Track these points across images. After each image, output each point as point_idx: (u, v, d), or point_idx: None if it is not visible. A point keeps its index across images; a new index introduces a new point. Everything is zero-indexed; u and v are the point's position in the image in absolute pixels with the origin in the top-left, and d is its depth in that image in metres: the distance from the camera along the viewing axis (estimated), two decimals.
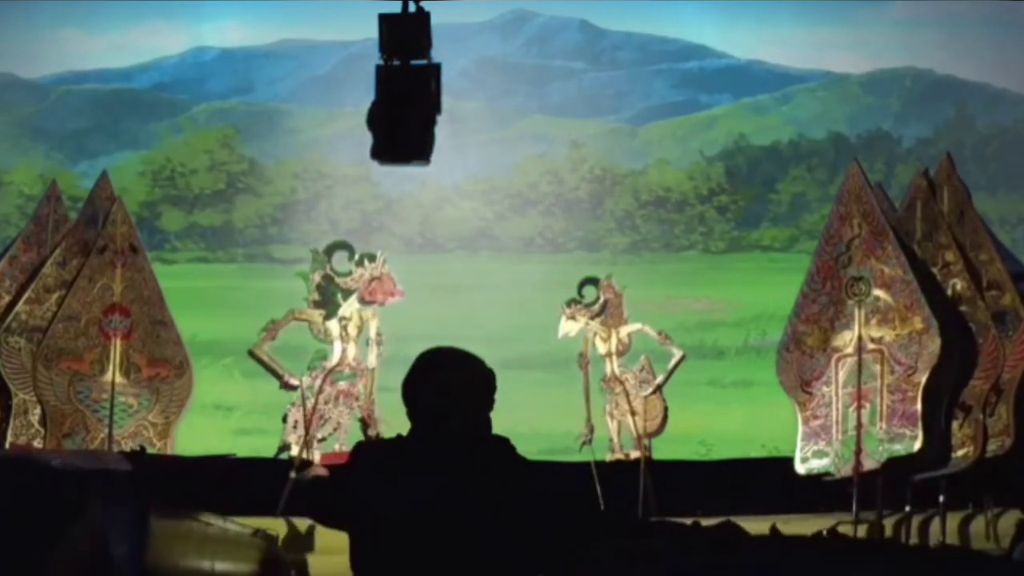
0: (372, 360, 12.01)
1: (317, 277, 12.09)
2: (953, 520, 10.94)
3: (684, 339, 13.40)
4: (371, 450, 5.11)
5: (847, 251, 11.19)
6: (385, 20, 9.63)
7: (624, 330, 12.11)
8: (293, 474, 11.30)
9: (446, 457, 4.67)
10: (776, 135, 19.31)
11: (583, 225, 18.64)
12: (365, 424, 11.99)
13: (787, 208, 18.96)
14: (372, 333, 12.05)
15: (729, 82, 19.38)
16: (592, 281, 12.28)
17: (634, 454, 11.70)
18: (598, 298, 12.17)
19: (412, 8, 9.63)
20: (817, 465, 11.17)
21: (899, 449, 10.90)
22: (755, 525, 10.50)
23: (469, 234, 18.52)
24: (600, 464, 11.66)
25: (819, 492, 11.12)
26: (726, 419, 12.41)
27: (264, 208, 18.75)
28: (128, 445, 11.55)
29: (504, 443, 4.78)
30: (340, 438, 11.99)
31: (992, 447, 10.96)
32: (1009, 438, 10.94)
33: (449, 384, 4.75)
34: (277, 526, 9.92)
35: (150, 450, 11.62)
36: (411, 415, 4.81)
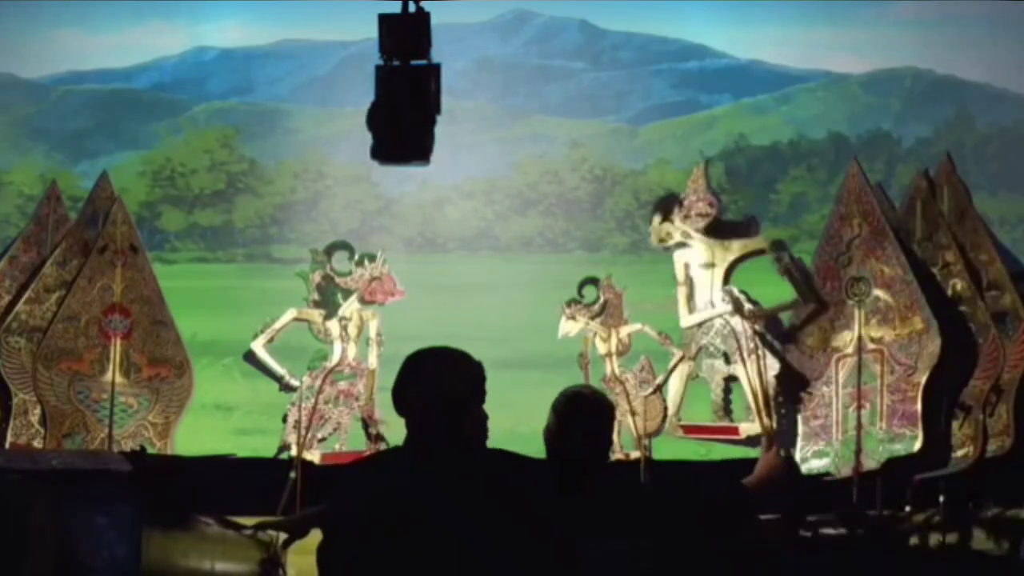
0: (372, 360, 12.00)
1: (317, 277, 12.09)
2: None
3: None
4: (370, 464, 5.06)
5: (847, 251, 11.19)
6: (385, 20, 9.63)
7: (624, 330, 12.11)
8: (293, 474, 11.30)
9: (445, 463, 4.63)
10: (776, 135, 19.33)
11: (583, 225, 18.66)
12: (366, 424, 11.99)
13: (787, 208, 18.98)
14: (372, 333, 12.04)
15: (729, 82, 19.40)
16: (592, 281, 12.28)
17: (634, 454, 11.69)
18: (598, 298, 12.17)
19: (412, 8, 9.63)
20: (817, 465, 11.17)
21: (899, 449, 10.90)
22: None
23: (469, 234, 18.54)
24: None
25: (819, 492, 11.12)
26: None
27: (264, 208, 18.76)
28: (128, 445, 11.54)
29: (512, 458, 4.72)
30: (340, 438, 11.99)
31: (992, 447, 10.96)
32: (1009, 438, 10.93)
33: (447, 384, 4.71)
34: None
35: (150, 450, 11.60)
36: (407, 421, 4.76)
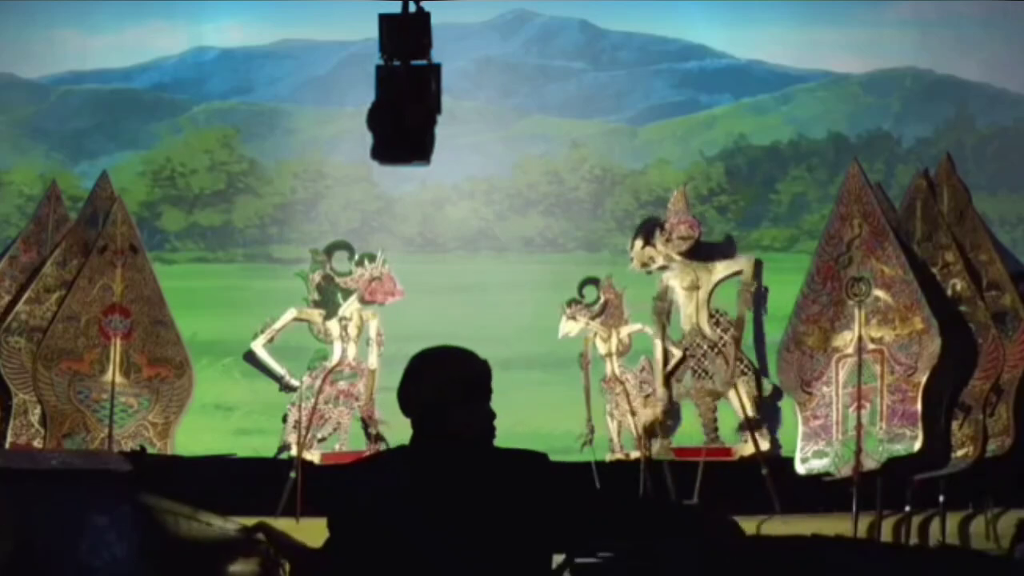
0: (372, 360, 12.02)
1: (317, 277, 12.10)
2: (953, 520, 10.94)
3: None
4: (372, 462, 5.07)
5: (847, 251, 11.20)
6: (385, 20, 9.63)
7: (624, 330, 12.12)
8: (293, 474, 11.31)
9: (448, 461, 4.62)
10: (776, 135, 19.29)
11: (583, 225, 18.63)
12: (365, 424, 12.00)
13: (787, 208, 18.95)
14: (372, 333, 12.05)
15: (729, 82, 19.37)
16: (592, 281, 12.29)
17: (634, 454, 11.71)
18: (598, 298, 12.18)
19: (412, 8, 9.63)
20: (817, 465, 11.18)
21: (899, 449, 10.90)
22: (755, 525, 10.51)
23: (469, 234, 18.51)
24: (600, 464, 11.68)
25: (819, 492, 11.12)
26: (726, 419, 12.42)
27: (264, 208, 18.74)
28: (128, 445, 11.56)
29: (535, 458, 4.74)
30: (340, 438, 12.00)
31: (992, 447, 10.96)
32: (1009, 438, 10.94)
33: (446, 383, 4.70)
34: (277, 526, 9.89)
35: (150, 450, 11.62)
36: (412, 421, 4.76)
